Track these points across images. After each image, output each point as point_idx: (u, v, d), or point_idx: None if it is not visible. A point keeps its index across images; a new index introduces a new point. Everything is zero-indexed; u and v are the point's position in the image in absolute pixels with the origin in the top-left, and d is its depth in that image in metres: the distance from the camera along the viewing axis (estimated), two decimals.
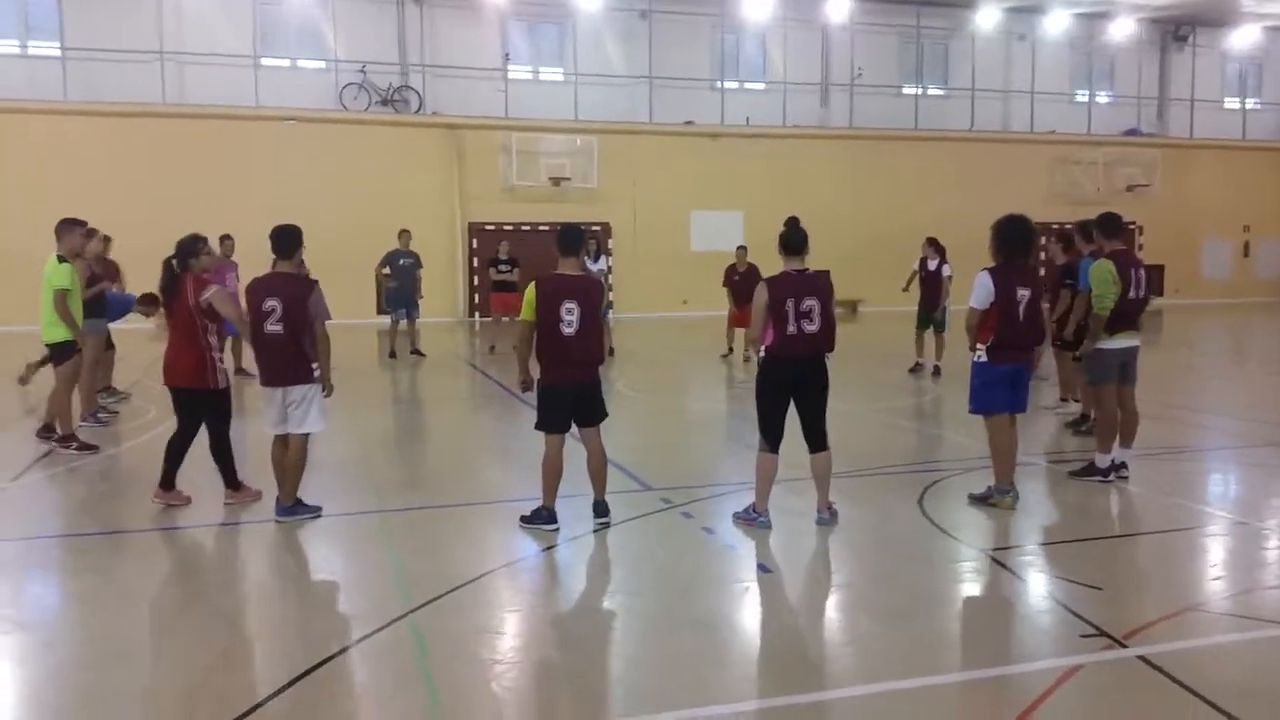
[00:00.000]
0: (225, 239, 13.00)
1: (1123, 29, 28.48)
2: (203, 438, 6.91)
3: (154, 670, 4.42)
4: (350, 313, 20.74)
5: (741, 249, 15.49)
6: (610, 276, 20.80)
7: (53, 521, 6.95)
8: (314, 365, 6.44)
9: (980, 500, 6.83)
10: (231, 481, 6.95)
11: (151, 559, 6.08)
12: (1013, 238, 6.66)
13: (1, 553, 6.17)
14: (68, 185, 19.81)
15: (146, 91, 21.46)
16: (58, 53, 21.42)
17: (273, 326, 6.29)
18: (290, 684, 4.17)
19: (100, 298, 10.05)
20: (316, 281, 6.56)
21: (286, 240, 6.47)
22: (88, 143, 20.70)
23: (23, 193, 19.89)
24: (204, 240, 6.89)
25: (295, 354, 6.35)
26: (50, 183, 20.01)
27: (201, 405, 6.80)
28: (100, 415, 10.13)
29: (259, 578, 5.82)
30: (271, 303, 6.27)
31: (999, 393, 6.69)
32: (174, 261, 6.73)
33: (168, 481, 6.85)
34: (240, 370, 12.87)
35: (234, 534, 6.35)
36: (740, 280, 14.97)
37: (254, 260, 6.63)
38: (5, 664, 4.45)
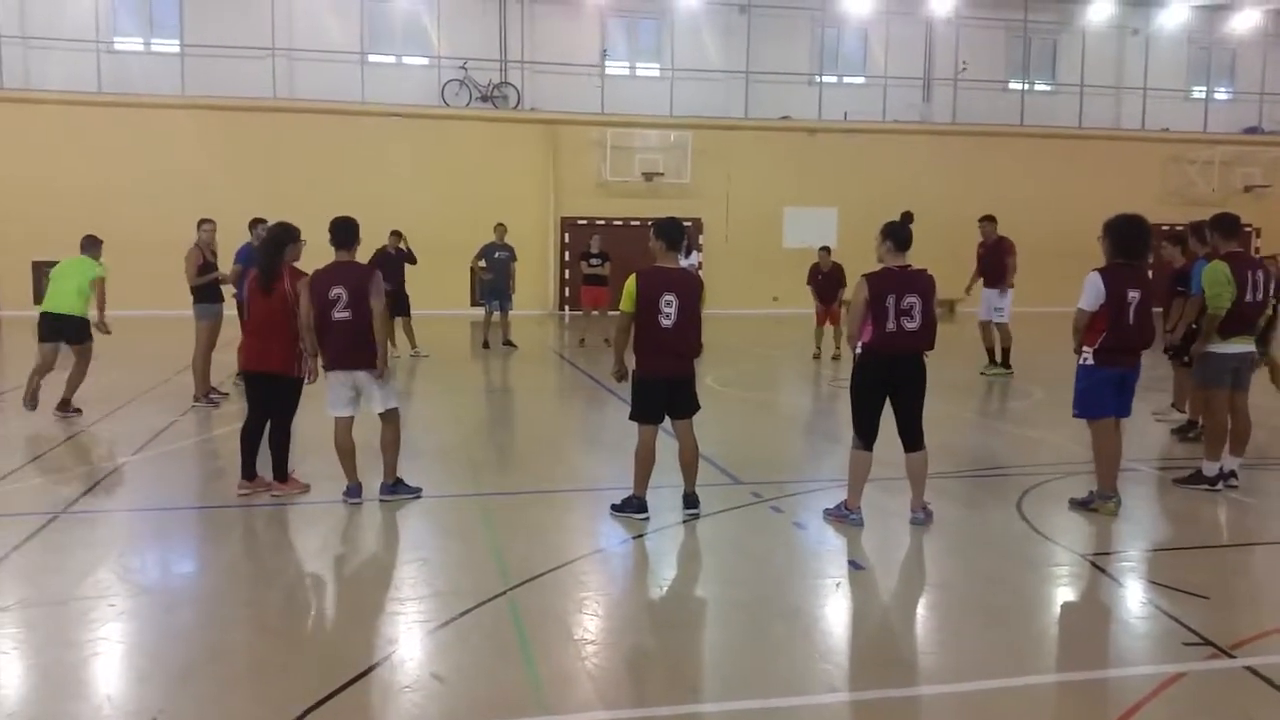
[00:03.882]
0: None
1: (1246, 21, 27.18)
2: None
3: (267, 634, 4.65)
4: (446, 303, 21.27)
5: (824, 249, 15.36)
6: (701, 272, 20.82)
7: (170, 494, 7.32)
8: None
9: (1082, 505, 6.67)
10: (281, 474, 6.96)
11: (261, 532, 6.38)
12: (1128, 238, 6.48)
13: (123, 522, 6.56)
14: (182, 177, 20.73)
15: (258, 87, 22.30)
16: (177, 49, 22.41)
17: (340, 313, 6.50)
18: (392, 653, 4.35)
19: (215, 284, 10.52)
20: (376, 268, 6.88)
21: (345, 231, 6.69)
22: (202, 136, 21.58)
23: (141, 184, 20.90)
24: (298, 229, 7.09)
25: (364, 339, 6.55)
26: (166, 175, 20.98)
27: (280, 393, 6.90)
28: (213, 396, 10.59)
29: (363, 552, 6.06)
30: (337, 290, 6.50)
31: (1105, 396, 6.53)
32: (274, 248, 6.92)
33: (249, 471, 6.95)
34: None
35: (338, 511, 6.60)
36: (823, 280, 14.90)
37: (361, 252, 6.88)
38: (132, 623, 4.73)
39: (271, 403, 6.93)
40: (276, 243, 6.98)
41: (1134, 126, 26.89)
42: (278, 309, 6.82)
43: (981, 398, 11.80)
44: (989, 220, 13.48)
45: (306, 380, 6.90)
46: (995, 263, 13.22)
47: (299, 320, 6.74)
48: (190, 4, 22.46)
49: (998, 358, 13.25)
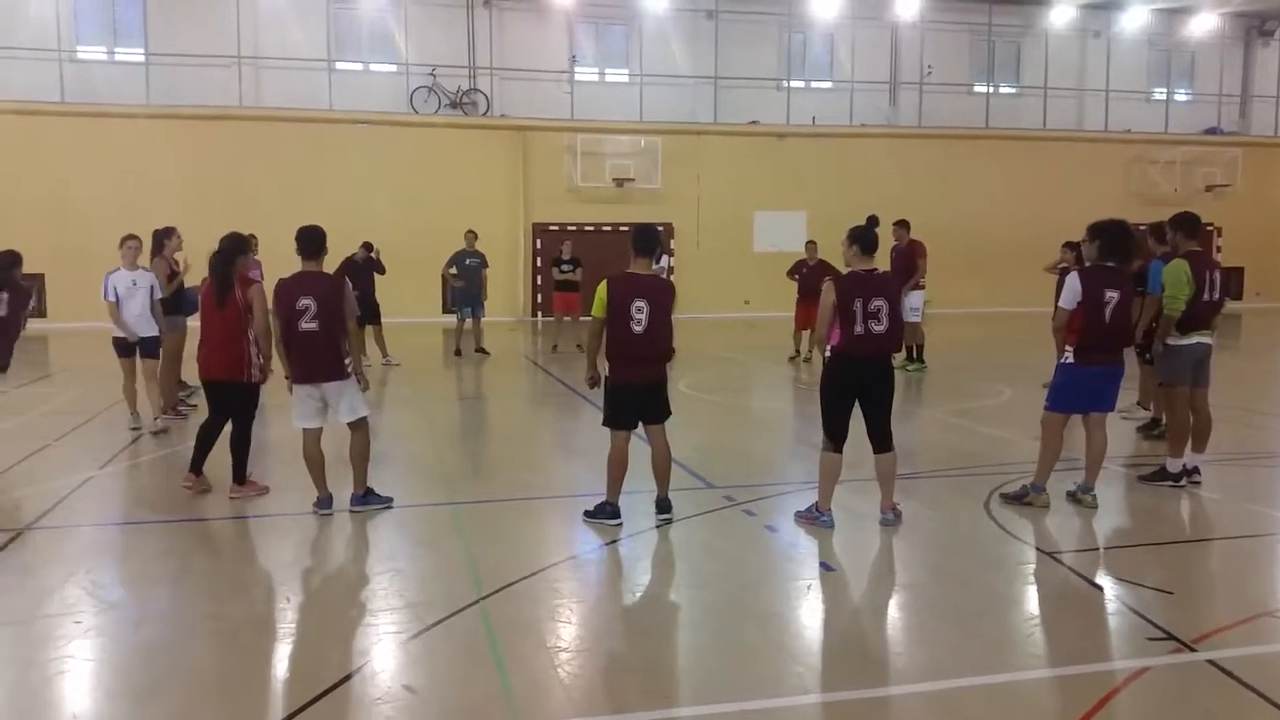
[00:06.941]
0: (250, 237, 13.47)
1: (1204, 24, 27.66)
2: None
3: (236, 649, 4.61)
4: (417, 311, 21.18)
5: (811, 244, 15.48)
6: (673, 277, 20.86)
7: (137, 508, 7.24)
8: (346, 360, 6.63)
9: (1015, 499, 6.82)
10: (240, 476, 7.10)
11: (232, 545, 6.34)
12: (1117, 242, 6.61)
13: (90, 537, 6.48)
14: (148, 187, 20.49)
15: (224, 95, 22.11)
16: (141, 58, 22.16)
17: (307, 324, 6.44)
18: (364, 665, 4.33)
19: (180, 294, 10.40)
20: (346, 279, 6.90)
21: (312, 240, 6.65)
22: (168, 145, 21.34)
23: (105, 195, 20.65)
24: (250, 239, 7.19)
25: (331, 350, 6.53)
26: (131, 185, 20.72)
27: (236, 398, 7.01)
28: (180, 409, 10.48)
29: (334, 564, 6.02)
30: (305, 301, 6.44)
31: (1075, 395, 6.68)
32: (226, 259, 6.95)
33: (196, 466, 7.17)
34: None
35: (309, 522, 6.56)
36: (807, 275, 14.92)
37: (329, 261, 6.86)
38: (98, 640, 4.68)
39: (232, 408, 7.04)
40: (229, 253, 6.99)
41: (1097, 128, 27.27)
42: (232, 318, 6.86)
43: (949, 397, 11.91)
44: (900, 225, 14.07)
45: (255, 380, 6.96)
46: (907, 265, 13.79)
47: (255, 327, 6.83)
48: (154, 12, 22.24)
49: (914, 354, 14.14)
